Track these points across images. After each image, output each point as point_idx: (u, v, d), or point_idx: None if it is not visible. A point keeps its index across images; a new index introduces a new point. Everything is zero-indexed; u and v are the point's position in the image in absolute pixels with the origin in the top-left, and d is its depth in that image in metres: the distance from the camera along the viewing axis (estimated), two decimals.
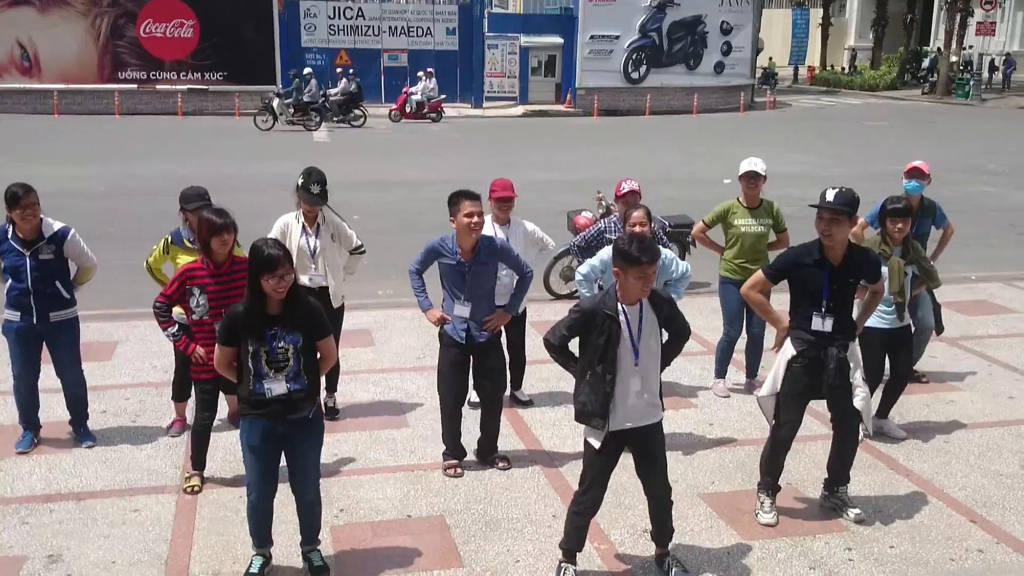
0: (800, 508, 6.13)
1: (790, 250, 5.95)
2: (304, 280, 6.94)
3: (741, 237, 7.80)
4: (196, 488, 6.20)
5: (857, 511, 5.97)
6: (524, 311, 7.68)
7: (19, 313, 6.58)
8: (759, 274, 5.97)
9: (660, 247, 6.67)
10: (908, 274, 6.94)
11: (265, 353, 4.89)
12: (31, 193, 6.42)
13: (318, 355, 5.14)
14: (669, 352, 5.22)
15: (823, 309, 5.65)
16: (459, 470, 6.54)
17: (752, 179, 7.70)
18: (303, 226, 7.09)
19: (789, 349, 5.82)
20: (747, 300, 6.17)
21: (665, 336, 5.19)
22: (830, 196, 5.59)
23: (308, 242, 7.07)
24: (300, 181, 7.02)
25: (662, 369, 5.20)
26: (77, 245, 6.70)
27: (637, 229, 6.49)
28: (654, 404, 5.11)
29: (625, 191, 7.45)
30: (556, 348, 5.15)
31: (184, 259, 6.64)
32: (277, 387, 4.92)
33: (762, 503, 5.95)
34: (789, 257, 5.85)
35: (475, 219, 6.19)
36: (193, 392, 6.45)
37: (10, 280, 6.54)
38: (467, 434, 6.84)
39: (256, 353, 4.89)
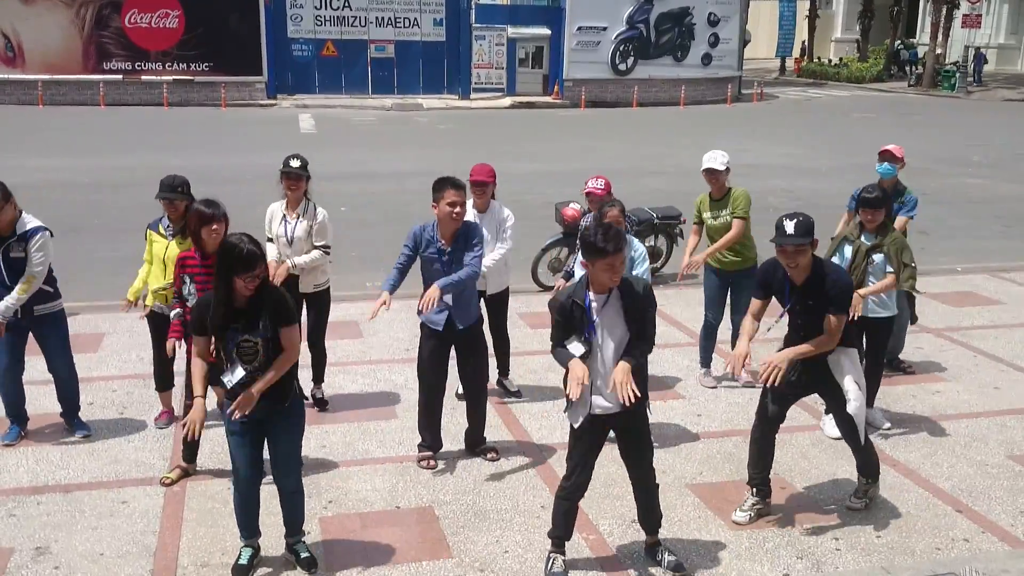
0: (787, 499, 6.16)
1: (764, 264, 5.89)
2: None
3: (707, 229, 7.93)
4: (168, 480, 6.19)
5: (858, 500, 6.02)
6: (507, 295, 7.70)
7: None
8: (756, 304, 5.86)
9: (628, 236, 6.70)
10: (875, 261, 6.88)
11: (236, 346, 4.90)
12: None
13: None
14: (633, 352, 4.94)
15: (796, 326, 5.67)
16: (433, 462, 6.54)
17: (710, 175, 7.73)
18: (284, 214, 7.17)
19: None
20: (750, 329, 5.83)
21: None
22: (790, 228, 5.45)
23: (286, 229, 7.15)
24: (281, 164, 7.15)
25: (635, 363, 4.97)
26: (40, 248, 6.41)
27: None
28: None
29: (586, 189, 7.43)
30: (557, 354, 5.05)
31: (159, 243, 6.70)
32: (236, 374, 4.90)
33: (744, 500, 5.96)
34: (762, 272, 5.87)
35: (457, 209, 6.18)
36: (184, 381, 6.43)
37: None
38: (456, 425, 6.86)
39: (226, 345, 4.91)
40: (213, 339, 4.98)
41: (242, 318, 4.88)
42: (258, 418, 5.01)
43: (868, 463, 5.98)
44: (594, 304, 4.95)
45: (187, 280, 6.03)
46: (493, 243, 7.29)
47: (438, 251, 6.28)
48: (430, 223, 6.35)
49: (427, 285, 6.30)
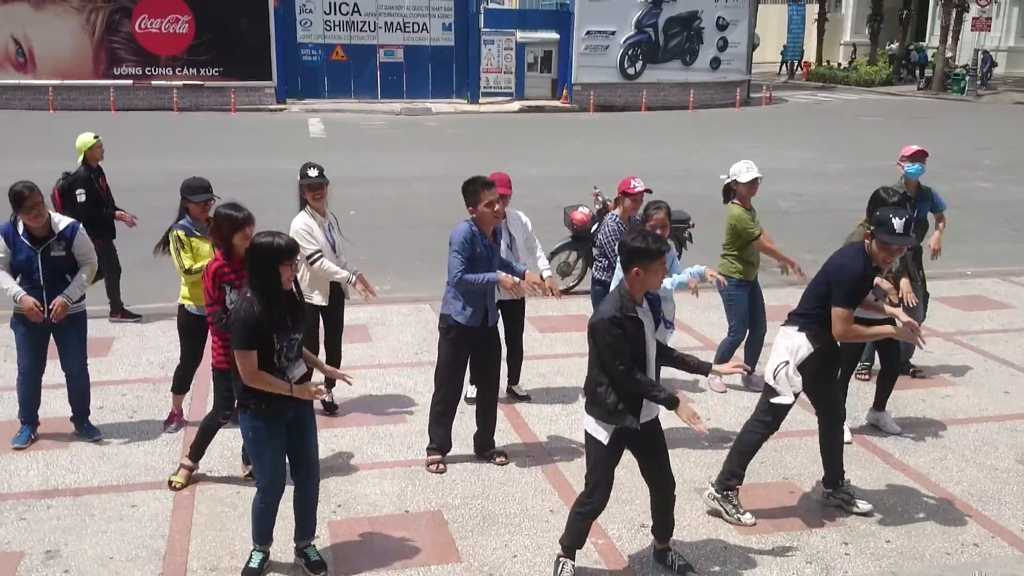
0: (796, 503, 6.15)
1: (850, 269, 5.64)
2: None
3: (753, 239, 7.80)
4: (178, 485, 6.18)
5: (864, 502, 5.99)
6: (523, 301, 7.71)
7: None
8: (842, 311, 5.58)
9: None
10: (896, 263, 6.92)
11: (285, 347, 4.94)
12: (35, 192, 6.44)
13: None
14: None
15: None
16: (442, 465, 6.55)
17: (754, 185, 7.67)
18: (320, 222, 7.14)
19: (805, 349, 5.72)
20: (854, 338, 5.81)
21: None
22: (900, 227, 5.46)
23: (330, 236, 7.13)
24: (299, 175, 7.10)
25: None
26: (85, 242, 6.69)
27: (659, 232, 6.62)
28: None
29: (639, 190, 7.44)
30: (637, 383, 4.89)
31: (203, 247, 6.61)
32: (297, 370, 5.03)
33: (736, 506, 5.92)
34: (856, 278, 5.61)
35: (496, 207, 6.33)
36: (212, 388, 6.39)
37: (18, 276, 6.52)
38: (465, 429, 6.86)
39: (281, 349, 4.93)
40: (275, 341, 4.92)
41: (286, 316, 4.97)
42: (290, 418, 5.06)
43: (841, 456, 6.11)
44: (643, 317, 4.98)
45: (227, 289, 5.82)
46: (523, 247, 7.46)
47: (487, 248, 6.36)
48: (471, 224, 6.34)
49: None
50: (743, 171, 7.65)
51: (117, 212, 9.63)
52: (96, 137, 9.51)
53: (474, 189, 6.29)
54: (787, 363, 5.76)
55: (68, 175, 9.23)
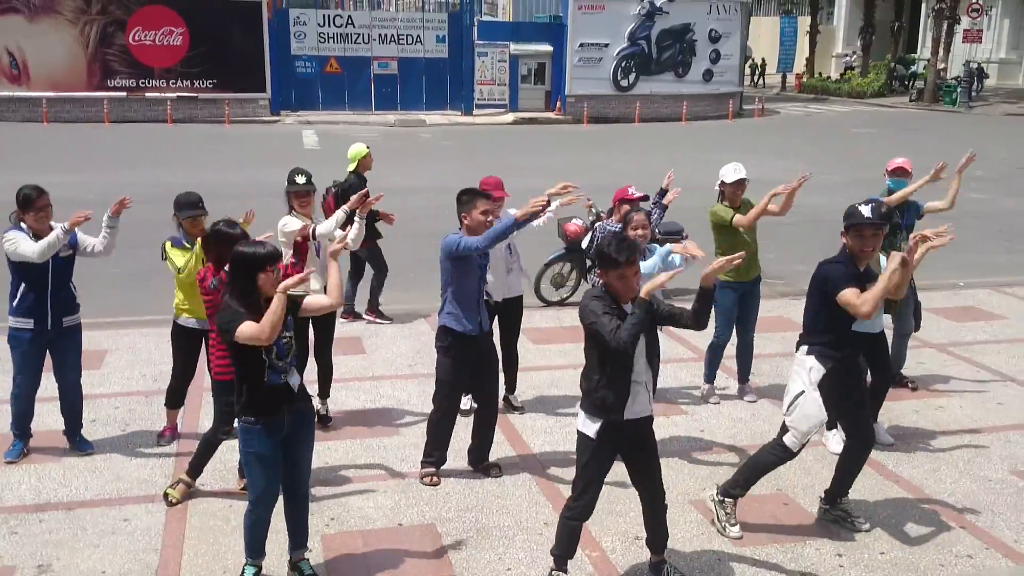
0: (791, 514, 6.15)
1: (835, 269, 5.57)
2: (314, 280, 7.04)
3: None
4: (174, 500, 6.14)
5: (861, 520, 5.97)
6: (521, 308, 7.73)
7: (32, 320, 6.55)
8: (847, 294, 5.41)
9: (650, 245, 6.87)
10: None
11: (275, 347, 4.94)
12: (44, 195, 6.52)
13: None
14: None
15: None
16: (437, 478, 6.54)
17: (740, 185, 7.75)
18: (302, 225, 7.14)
19: (816, 372, 5.63)
20: (876, 303, 5.39)
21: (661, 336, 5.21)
22: (867, 212, 5.46)
23: (313, 241, 7.12)
24: (286, 182, 7.15)
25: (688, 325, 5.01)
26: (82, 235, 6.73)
27: (640, 232, 6.73)
28: (649, 399, 5.08)
29: (636, 196, 7.67)
30: (630, 328, 4.77)
31: (180, 259, 6.60)
32: (293, 378, 5.06)
33: (728, 515, 5.90)
34: (843, 273, 5.51)
35: (490, 217, 6.38)
36: (212, 403, 6.34)
37: (23, 285, 6.50)
38: (459, 442, 6.84)
39: (268, 348, 4.93)
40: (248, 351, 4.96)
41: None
42: (286, 433, 5.06)
43: (855, 477, 6.03)
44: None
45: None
46: (513, 248, 7.61)
47: (479, 256, 6.35)
48: (460, 234, 6.33)
49: (461, 293, 6.34)
50: (729, 172, 7.79)
51: (380, 213, 10.01)
52: (368, 148, 10.18)
53: (470, 197, 6.36)
54: (803, 393, 5.64)
55: (339, 183, 9.71)
